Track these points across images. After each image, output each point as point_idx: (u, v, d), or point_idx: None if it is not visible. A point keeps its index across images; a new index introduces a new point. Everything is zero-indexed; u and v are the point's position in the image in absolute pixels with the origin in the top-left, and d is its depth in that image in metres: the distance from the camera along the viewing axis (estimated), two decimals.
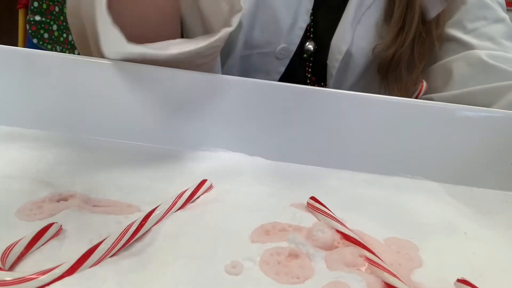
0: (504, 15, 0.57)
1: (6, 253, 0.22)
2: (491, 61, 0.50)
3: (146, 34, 0.36)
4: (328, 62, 0.58)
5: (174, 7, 0.42)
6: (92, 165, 0.34)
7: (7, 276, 0.20)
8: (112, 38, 0.34)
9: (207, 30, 0.43)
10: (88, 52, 0.44)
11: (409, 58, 0.56)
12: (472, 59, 0.52)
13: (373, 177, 0.39)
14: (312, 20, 0.58)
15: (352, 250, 0.26)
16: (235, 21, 0.37)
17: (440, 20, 0.55)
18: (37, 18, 1.08)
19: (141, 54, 0.35)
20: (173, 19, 0.42)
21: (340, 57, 0.57)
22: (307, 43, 0.59)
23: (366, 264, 0.25)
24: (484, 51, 0.52)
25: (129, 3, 0.36)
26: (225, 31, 0.37)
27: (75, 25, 0.46)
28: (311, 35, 0.59)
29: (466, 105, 0.39)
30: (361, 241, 0.27)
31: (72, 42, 1.13)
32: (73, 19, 0.46)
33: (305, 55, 0.60)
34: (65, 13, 1.07)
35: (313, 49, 0.59)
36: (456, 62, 0.54)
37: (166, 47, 0.35)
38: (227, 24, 0.38)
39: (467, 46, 0.55)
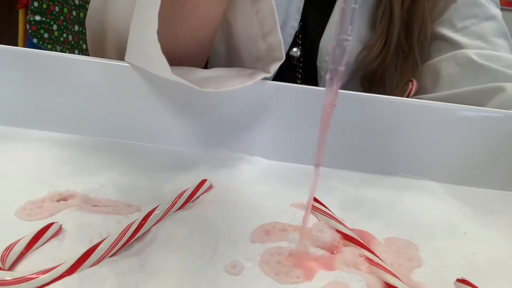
0: (495, 11, 0.56)
1: (6, 252, 0.22)
2: (481, 61, 0.50)
3: (176, 53, 0.36)
4: (317, 63, 0.58)
5: (212, 36, 0.42)
6: (92, 165, 0.34)
7: (7, 275, 0.20)
8: (156, 64, 0.33)
9: (231, 55, 0.43)
10: (100, 56, 0.44)
11: (393, 74, 0.56)
12: (461, 59, 0.52)
13: (373, 177, 0.39)
14: (301, 21, 0.58)
15: (352, 250, 0.26)
16: (273, 69, 0.38)
17: (421, 35, 0.55)
18: (37, 18, 1.08)
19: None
20: (208, 45, 0.42)
21: (328, 58, 0.57)
22: (293, 49, 0.59)
23: (366, 264, 0.25)
24: (473, 50, 0.52)
25: (170, 27, 0.35)
26: (262, 76, 0.37)
27: (93, 29, 0.47)
28: (300, 41, 0.59)
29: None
30: (361, 241, 0.27)
31: (72, 42, 1.13)
32: (93, 23, 0.46)
33: (293, 62, 0.60)
34: (65, 13, 1.07)
35: (299, 55, 0.59)
36: (444, 62, 0.54)
37: (205, 83, 0.35)
38: (260, 61, 0.38)
39: (456, 45, 0.54)
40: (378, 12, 0.54)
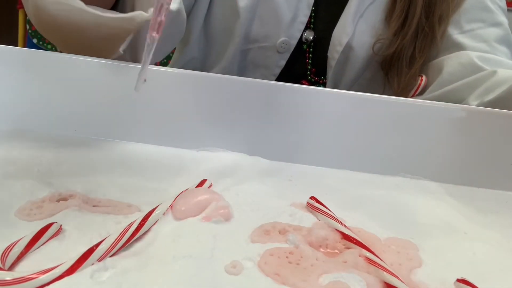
0: (502, 19, 0.58)
1: (6, 253, 0.22)
2: (481, 63, 0.51)
3: None
4: (328, 54, 0.59)
5: None
6: (92, 165, 0.34)
7: (7, 275, 0.20)
8: None
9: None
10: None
11: (411, 53, 0.57)
12: (463, 59, 0.53)
13: (373, 177, 0.39)
14: (313, 12, 0.59)
15: (352, 250, 0.26)
16: (152, 11, 0.38)
17: (443, 16, 0.56)
18: None
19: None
20: None
21: (340, 49, 0.57)
22: (306, 33, 0.59)
23: (366, 264, 0.25)
24: (476, 53, 0.53)
25: None
26: (134, 15, 0.37)
27: None
28: (311, 26, 0.60)
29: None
30: (361, 241, 0.27)
31: None
32: None
33: (304, 46, 0.60)
34: None
35: (312, 39, 0.59)
36: (447, 60, 0.55)
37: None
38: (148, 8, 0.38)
39: (460, 46, 0.55)
40: None
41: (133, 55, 0.46)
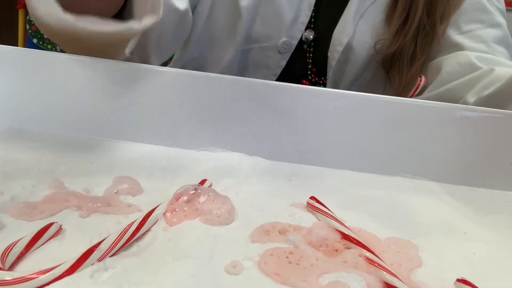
0: (501, 20, 0.58)
1: (6, 253, 0.22)
2: (479, 63, 0.51)
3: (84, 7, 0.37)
4: (328, 53, 0.59)
5: None
6: (92, 165, 0.34)
7: (7, 275, 0.20)
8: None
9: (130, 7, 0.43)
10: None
11: (412, 51, 0.57)
12: (461, 59, 0.54)
13: (373, 177, 0.39)
14: (313, 12, 0.59)
15: (352, 250, 0.26)
16: (145, 23, 0.37)
17: (445, 14, 0.56)
18: None
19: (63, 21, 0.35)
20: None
21: (340, 48, 0.57)
22: (306, 32, 0.60)
23: (366, 264, 0.25)
24: (474, 53, 0.53)
25: None
26: (127, 28, 0.36)
27: None
28: (312, 26, 0.60)
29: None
30: (361, 241, 0.27)
31: None
32: None
33: (305, 46, 0.60)
34: None
35: (312, 38, 0.60)
36: (446, 60, 0.55)
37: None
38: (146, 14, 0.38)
39: (459, 47, 0.56)
40: None
41: (142, 56, 0.46)
